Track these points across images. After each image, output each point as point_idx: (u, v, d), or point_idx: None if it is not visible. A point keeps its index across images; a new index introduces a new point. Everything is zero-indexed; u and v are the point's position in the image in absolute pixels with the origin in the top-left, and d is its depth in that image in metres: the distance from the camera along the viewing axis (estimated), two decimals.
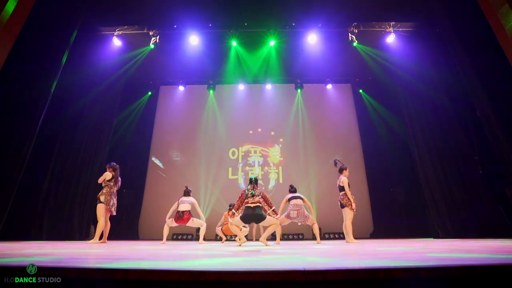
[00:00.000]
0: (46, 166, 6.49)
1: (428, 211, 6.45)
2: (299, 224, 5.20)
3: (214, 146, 9.53)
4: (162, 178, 9.22)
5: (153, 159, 9.44)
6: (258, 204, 4.07)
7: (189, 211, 5.32)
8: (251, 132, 9.80)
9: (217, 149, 9.49)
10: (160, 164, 9.41)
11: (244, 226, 5.50)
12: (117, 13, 7.48)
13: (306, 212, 4.89)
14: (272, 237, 6.86)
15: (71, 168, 6.70)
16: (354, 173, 8.78)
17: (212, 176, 9.11)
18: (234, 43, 8.25)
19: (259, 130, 9.82)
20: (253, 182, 4.35)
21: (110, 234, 6.97)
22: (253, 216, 4.04)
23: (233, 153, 9.55)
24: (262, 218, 4.04)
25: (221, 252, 2.56)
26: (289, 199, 5.03)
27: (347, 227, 4.83)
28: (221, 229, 6.27)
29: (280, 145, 9.62)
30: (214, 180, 9.06)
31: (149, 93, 9.99)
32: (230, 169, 9.31)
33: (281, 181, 9.10)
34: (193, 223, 5.29)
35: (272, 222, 4.12)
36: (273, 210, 4.26)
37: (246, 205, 4.10)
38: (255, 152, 9.58)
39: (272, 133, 9.78)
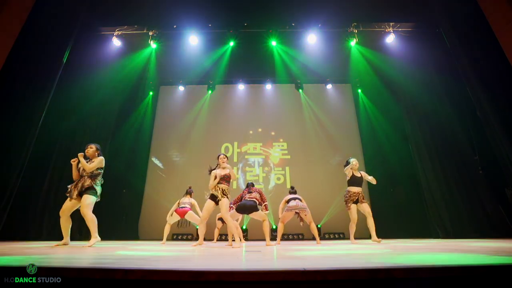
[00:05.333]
0: (46, 166, 6.49)
1: (428, 211, 6.45)
2: (301, 224, 5.22)
3: (214, 146, 9.52)
4: (162, 178, 9.21)
5: (153, 159, 9.44)
6: (254, 199, 4.54)
7: (189, 207, 5.36)
8: (251, 132, 9.80)
9: (218, 149, 9.49)
10: (159, 164, 9.41)
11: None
12: (117, 13, 7.48)
13: (304, 204, 4.97)
14: (273, 237, 6.86)
15: (71, 168, 6.68)
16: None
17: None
18: (233, 43, 8.25)
19: (259, 130, 9.82)
20: (249, 185, 4.89)
21: (110, 234, 6.99)
22: (246, 207, 4.42)
23: (227, 150, 9.47)
24: (255, 209, 4.43)
25: (221, 252, 2.56)
26: (288, 200, 5.10)
27: (371, 224, 4.63)
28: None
29: (281, 145, 9.62)
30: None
31: (151, 93, 9.99)
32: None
33: (288, 185, 8.97)
34: (190, 217, 5.29)
35: (262, 217, 4.48)
36: (264, 205, 4.66)
37: (243, 200, 4.63)
38: (254, 148, 9.56)
39: (273, 133, 9.77)
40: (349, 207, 4.70)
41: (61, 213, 3.77)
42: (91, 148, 4.14)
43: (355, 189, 4.80)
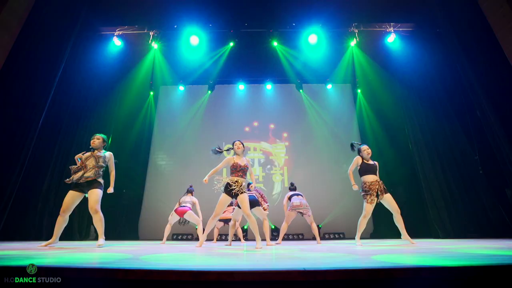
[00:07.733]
0: (46, 166, 6.49)
1: (428, 211, 6.45)
2: (304, 215, 5.09)
3: (214, 145, 9.48)
4: (162, 178, 9.20)
5: (160, 155, 9.43)
6: (253, 194, 4.60)
7: (189, 207, 5.36)
8: (251, 132, 9.79)
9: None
10: (165, 158, 9.39)
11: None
12: (117, 13, 7.49)
13: (307, 203, 4.99)
14: (272, 237, 6.87)
15: (71, 168, 6.68)
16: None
17: (214, 176, 9.09)
18: (234, 43, 8.25)
19: (260, 130, 9.80)
20: (248, 184, 4.88)
21: (110, 234, 6.98)
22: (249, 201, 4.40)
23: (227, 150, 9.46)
24: (257, 203, 4.47)
25: (221, 252, 2.56)
26: (290, 197, 5.12)
27: (399, 221, 4.00)
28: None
29: (281, 145, 9.62)
30: (214, 180, 9.04)
31: (152, 93, 9.97)
32: (224, 169, 9.23)
33: (286, 184, 8.98)
34: (189, 216, 5.27)
35: (263, 214, 4.53)
36: (267, 205, 4.69)
37: None
38: (254, 148, 9.55)
39: (272, 133, 9.77)
40: (372, 201, 3.90)
41: (62, 211, 3.49)
42: (98, 140, 3.93)
43: (370, 178, 4.01)
